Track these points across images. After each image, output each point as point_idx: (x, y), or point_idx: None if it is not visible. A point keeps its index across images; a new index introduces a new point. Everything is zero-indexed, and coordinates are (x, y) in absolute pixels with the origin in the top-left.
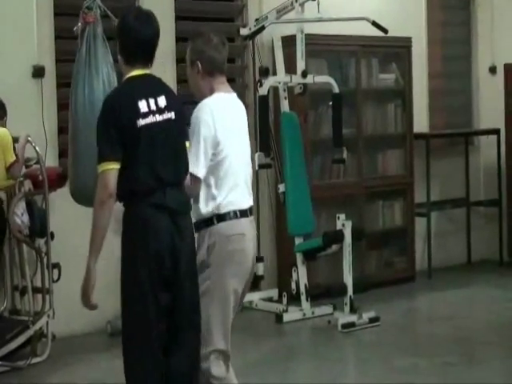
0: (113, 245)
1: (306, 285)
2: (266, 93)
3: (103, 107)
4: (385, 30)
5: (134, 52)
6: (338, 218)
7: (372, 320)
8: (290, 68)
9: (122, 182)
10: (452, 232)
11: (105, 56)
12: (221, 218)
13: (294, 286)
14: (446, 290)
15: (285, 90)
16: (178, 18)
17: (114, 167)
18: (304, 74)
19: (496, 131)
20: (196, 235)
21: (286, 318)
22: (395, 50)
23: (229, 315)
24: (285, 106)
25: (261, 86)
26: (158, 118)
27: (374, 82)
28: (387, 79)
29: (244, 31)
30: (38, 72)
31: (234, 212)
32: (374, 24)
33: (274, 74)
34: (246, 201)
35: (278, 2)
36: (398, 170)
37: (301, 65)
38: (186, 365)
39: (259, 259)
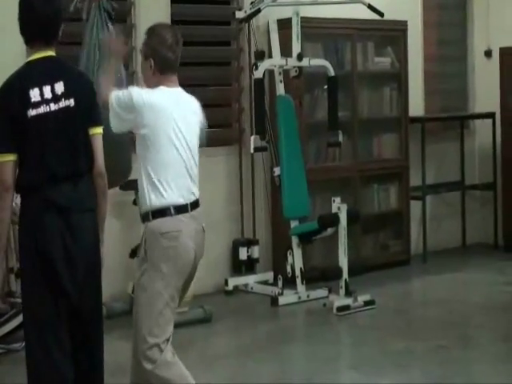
0: (108, 230)
1: (301, 268)
2: (261, 76)
3: None
4: (380, 14)
5: (33, 31)
6: (334, 201)
7: (367, 303)
8: (286, 51)
9: (17, 175)
10: (447, 215)
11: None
12: (155, 214)
13: (289, 269)
14: (440, 274)
15: (280, 74)
16: (173, 1)
17: (7, 159)
18: (299, 57)
19: (491, 115)
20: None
21: (282, 301)
22: (391, 34)
23: (161, 310)
24: (280, 89)
25: (256, 69)
26: (53, 107)
27: (370, 65)
28: (383, 63)
29: (239, 14)
30: None
31: (168, 209)
32: (370, 7)
33: (270, 57)
34: (185, 196)
35: None
36: (393, 154)
37: (296, 48)
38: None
39: (255, 242)
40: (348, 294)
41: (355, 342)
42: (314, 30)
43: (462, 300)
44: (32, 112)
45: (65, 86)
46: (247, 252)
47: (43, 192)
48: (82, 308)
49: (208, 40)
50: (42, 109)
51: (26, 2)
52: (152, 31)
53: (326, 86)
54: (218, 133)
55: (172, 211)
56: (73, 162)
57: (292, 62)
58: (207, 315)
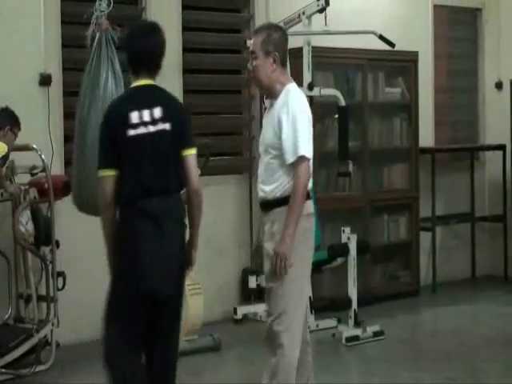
0: None
1: (310, 297)
2: None
3: (103, 117)
4: (392, 44)
5: (138, 63)
6: (343, 231)
7: (376, 334)
8: (297, 80)
9: (117, 188)
10: (457, 247)
11: (108, 63)
12: None
13: None
14: (450, 305)
15: None
16: (184, 29)
17: (108, 174)
18: (310, 87)
19: (502, 147)
20: (268, 214)
21: None
22: (402, 64)
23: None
24: None
25: (267, 97)
26: (151, 129)
27: (380, 95)
28: (393, 93)
29: (251, 43)
30: (45, 80)
31: (308, 193)
32: (381, 38)
33: None
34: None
35: (286, 14)
36: (403, 184)
37: (307, 77)
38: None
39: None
40: (357, 324)
41: (364, 372)
42: (325, 59)
43: (471, 332)
44: (131, 132)
45: (162, 111)
46: (256, 281)
47: (138, 204)
48: (166, 309)
49: (219, 68)
50: (141, 130)
51: (129, 39)
52: (274, 28)
53: (336, 116)
54: (229, 161)
55: (310, 194)
56: (164, 180)
57: (303, 91)
58: (216, 343)
